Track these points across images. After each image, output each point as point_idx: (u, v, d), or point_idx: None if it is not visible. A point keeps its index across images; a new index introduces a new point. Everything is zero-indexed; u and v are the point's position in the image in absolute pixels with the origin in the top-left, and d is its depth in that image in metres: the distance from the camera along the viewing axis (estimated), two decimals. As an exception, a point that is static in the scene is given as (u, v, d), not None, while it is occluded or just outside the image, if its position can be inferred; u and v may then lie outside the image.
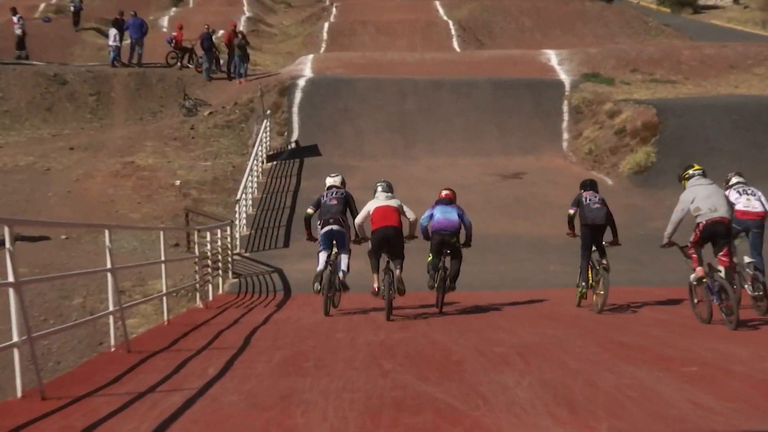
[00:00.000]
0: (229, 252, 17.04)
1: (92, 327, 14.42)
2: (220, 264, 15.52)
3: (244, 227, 20.58)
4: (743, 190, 11.94)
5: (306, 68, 31.55)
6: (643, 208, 21.34)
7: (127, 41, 33.29)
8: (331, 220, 12.02)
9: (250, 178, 21.99)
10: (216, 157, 26.09)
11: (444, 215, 12.22)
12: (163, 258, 11.22)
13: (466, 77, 30.36)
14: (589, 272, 12.23)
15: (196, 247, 13.81)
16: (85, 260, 17.75)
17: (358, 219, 12.13)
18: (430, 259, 12.24)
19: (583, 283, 12.27)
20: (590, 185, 12.60)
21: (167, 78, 31.53)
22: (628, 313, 12.02)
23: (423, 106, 28.85)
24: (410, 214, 12.11)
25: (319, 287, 11.93)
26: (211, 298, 14.21)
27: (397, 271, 11.79)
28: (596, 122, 27.63)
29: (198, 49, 32.00)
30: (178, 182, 23.64)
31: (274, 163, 25.85)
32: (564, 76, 30.71)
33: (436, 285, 12.11)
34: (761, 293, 11.08)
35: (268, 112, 27.53)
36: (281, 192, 23.24)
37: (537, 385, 6.99)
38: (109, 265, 8.59)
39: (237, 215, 20.12)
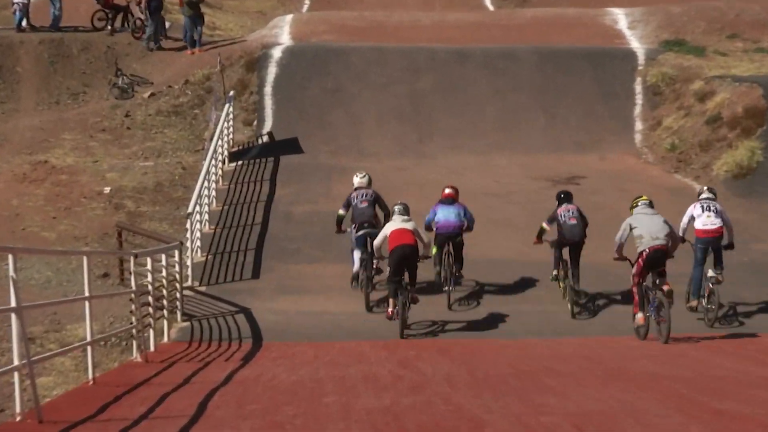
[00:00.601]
0: (178, 285, 17.06)
1: (-10, 388, 14.43)
2: (165, 302, 15.52)
3: (199, 251, 20.61)
4: (707, 206, 16.16)
5: (283, 33, 31.64)
6: (745, 226, 21.26)
7: (39, -4, 33.41)
8: (365, 224, 17.16)
9: (206, 183, 22.03)
10: (160, 155, 26.16)
11: (446, 217, 17.25)
12: (87, 293, 11.23)
13: (501, 46, 30.42)
14: (560, 266, 17.17)
15: (133, 278, 13.82)
16: (-19, 296, 17.77)
17: (377, 242, 16.25)
18: (434, 251, 17.26)
19: (554, 272, 17.28)
20: (565, 198, 17.15)
21: (93, 47, 31.62)
22: (725, 371, 12.01)
23: (443, 85, 28.90)
24: (425, 237, 16.38)
25: (356, 284, 17.33)
26: (152, 348, 14.21)
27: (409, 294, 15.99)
28: (681, 107, 27.65)
29: (135, 8, 32.06)
30: (107, 189, 23.68)
31: (239, 163, 25.91)
32: (636, 45, 30.76)
33: (443, 275, 17.25)
34: (713, 307, 15.71)
35: (231, 93, 27.62)
36: (249, 203, 23.25)
37: (600, 468, 7.00)
38: (13, 303, 8.60)
39: (189, 235, 20.16)
